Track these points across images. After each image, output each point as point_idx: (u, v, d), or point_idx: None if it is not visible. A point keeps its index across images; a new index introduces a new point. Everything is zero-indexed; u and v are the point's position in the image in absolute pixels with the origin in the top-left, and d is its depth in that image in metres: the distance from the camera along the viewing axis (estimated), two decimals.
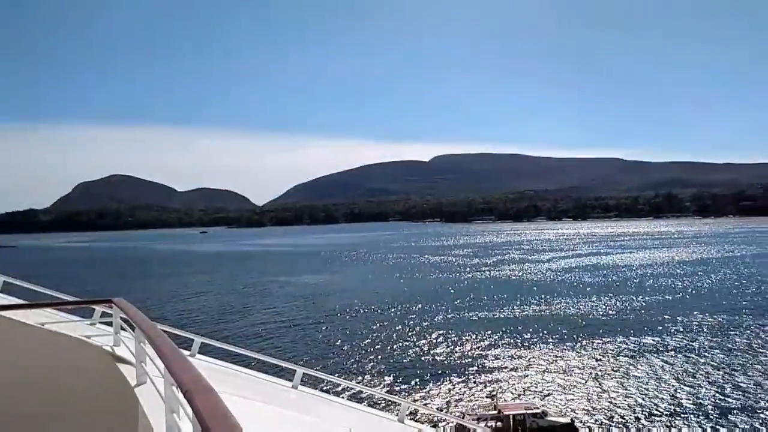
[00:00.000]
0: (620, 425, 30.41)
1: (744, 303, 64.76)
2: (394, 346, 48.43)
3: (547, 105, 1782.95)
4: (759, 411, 31.48)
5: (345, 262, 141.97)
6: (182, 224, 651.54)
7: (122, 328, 9.19)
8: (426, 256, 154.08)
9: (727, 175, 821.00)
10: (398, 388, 37.07)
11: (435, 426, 20.39)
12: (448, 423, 25.90)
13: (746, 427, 29.74)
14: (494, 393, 34.83)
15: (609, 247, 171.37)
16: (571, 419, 30.21)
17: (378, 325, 57.57)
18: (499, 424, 28.98)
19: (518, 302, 68.66)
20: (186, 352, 10.68)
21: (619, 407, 32.78)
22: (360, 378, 39.22)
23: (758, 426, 29.62)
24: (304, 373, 11.71)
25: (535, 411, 29.77)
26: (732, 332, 50.16)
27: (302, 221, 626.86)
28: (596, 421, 31.02)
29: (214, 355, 12.23)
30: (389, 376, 39.91)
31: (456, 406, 33.72)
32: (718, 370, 39.07)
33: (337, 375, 34.73)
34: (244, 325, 59.73)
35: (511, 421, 28.95)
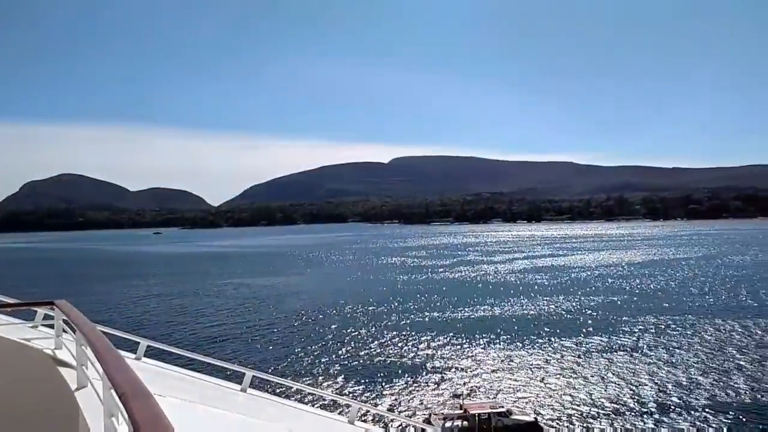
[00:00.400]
0: (579, 421, 31.19)
1: (689, 302, 67.20)
2: (349, 348, 48.43)
3: (503, 109, 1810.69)
4: (700, 408, 32.77)
5: (302, 264, 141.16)
6: (134, 225, 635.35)
7: (64, 331, 8.99)
8: (384, 257, 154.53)
9: (676, 180, 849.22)
10: (351, 390, 37.10)
11: (386, 427, 20.48)
12: (402, 424, 26.05)
13: (692, 420, 30.88)
14: (460, 392, 35.25)
15: (562, 249, 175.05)
16: (535, 418, 30.91)
17: (333, 326, 57.47)
18: (465, 423, 29.43)
19: (475, 303, 69.53)
20: (132, 356, 10.53)
21: (577, 404, 33.65)
22: (312, 380, 39.09)
23: (700, 423, 30.76)
24: (254, 376, 11.63)
25: (500, 410, 30.35)
26: (677, 331, 52.10)
27: (259, 222, 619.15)
28: (556, 418, 31.74)
29: (162, 359, 12.04)
30: (343, 377, 39.92)
31: (408, 407, 33.95)
32: (665, 368, 40.46)
33: (289, 378, 34.58)
34: (195, 328, 58.83)
35: (477, 420, 29.43)
